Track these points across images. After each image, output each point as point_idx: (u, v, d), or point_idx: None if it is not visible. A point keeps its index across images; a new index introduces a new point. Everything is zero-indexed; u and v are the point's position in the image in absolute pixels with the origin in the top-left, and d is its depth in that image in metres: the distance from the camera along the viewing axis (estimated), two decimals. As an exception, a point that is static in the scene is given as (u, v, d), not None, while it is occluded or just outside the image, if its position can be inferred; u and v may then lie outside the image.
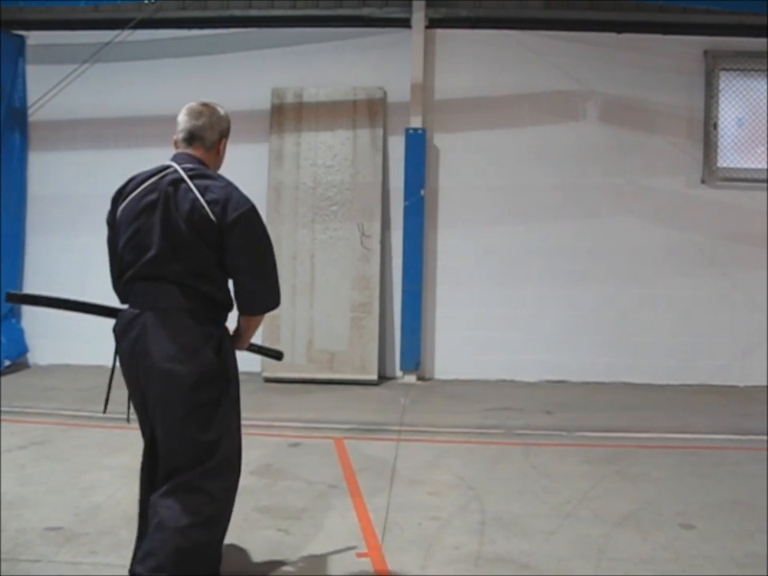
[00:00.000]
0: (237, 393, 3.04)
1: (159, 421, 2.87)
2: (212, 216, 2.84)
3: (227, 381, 2.95)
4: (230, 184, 2.95)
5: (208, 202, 2.84)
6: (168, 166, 2.97)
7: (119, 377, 3.00)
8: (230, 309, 3.02)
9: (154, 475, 2.93)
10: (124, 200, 2.97)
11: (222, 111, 3.14)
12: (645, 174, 7.76)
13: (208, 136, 3.06)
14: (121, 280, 3.00)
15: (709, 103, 7.71)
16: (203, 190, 2.87)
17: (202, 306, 2.90)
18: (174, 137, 3.10)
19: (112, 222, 3.06)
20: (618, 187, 7.76)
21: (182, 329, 2.85)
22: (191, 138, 3.05)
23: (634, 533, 3.86)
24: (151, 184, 2.92)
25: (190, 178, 2.89)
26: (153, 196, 2.89)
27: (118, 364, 2.98)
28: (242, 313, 3.06)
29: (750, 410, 6.63)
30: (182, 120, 3.07)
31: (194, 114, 3.06)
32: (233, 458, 3.02)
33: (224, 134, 3.13)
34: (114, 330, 2.98)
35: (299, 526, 3.89)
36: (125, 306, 2.99)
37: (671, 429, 5.96)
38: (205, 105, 3.11)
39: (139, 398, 2.94)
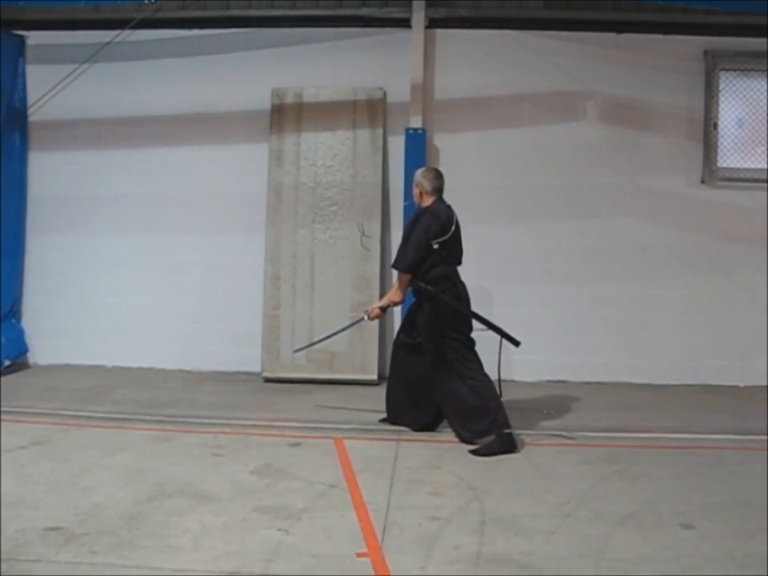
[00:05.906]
0: None
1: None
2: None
3: None
4: None
5: None
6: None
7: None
8: None
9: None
10: (451, 222, 5.54)
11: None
12: (645, 174, 7.75)
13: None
14: (441, 259, 5.54)
15: (709, 103, 7.70)
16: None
17: None
18: (429, 191, 5.62)
19: (446, 230, 5.50)
20: (617, 187, 7.75)
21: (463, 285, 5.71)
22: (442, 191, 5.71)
23: (634, 533, 3.86)
24: (454, 217, 5.59)
25: None
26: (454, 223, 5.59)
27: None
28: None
29: (750, 410, 6.62)
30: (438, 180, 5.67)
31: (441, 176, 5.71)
32: None
33: None
34: (434, 288, 5.50)
35: (299, 526, 3.89)
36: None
37: (671, 429, 5.96)
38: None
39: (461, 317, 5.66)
